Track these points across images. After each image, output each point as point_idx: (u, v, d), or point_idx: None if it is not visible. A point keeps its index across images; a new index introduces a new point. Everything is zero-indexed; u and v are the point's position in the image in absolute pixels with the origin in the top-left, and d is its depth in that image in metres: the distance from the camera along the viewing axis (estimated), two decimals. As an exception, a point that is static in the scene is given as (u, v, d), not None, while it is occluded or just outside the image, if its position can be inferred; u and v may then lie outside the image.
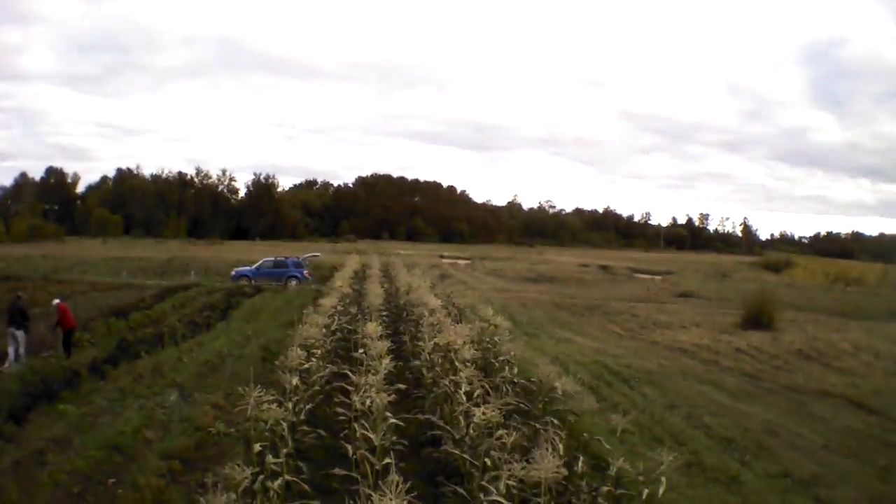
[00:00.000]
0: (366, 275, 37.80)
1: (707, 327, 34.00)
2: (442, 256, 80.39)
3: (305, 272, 44.66)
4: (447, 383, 12.10)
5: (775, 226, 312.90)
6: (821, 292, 57.53)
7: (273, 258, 47.29)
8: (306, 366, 12.03)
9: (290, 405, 10.67)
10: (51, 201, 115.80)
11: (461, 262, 74.77)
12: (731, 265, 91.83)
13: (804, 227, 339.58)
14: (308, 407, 12.11)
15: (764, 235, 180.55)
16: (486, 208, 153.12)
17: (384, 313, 19.47)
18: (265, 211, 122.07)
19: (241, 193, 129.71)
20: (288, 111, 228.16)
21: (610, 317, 35.71)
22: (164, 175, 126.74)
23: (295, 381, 11.14)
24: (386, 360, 11.79)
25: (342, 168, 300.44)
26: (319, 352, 14.45)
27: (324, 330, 16.09)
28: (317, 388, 13.40)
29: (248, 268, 45.87)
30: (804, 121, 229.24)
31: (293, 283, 42.95)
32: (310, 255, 50.94)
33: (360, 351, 14.53)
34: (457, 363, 12.52)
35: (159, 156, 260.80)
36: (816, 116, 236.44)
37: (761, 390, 22.16)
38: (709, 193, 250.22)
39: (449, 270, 60.81)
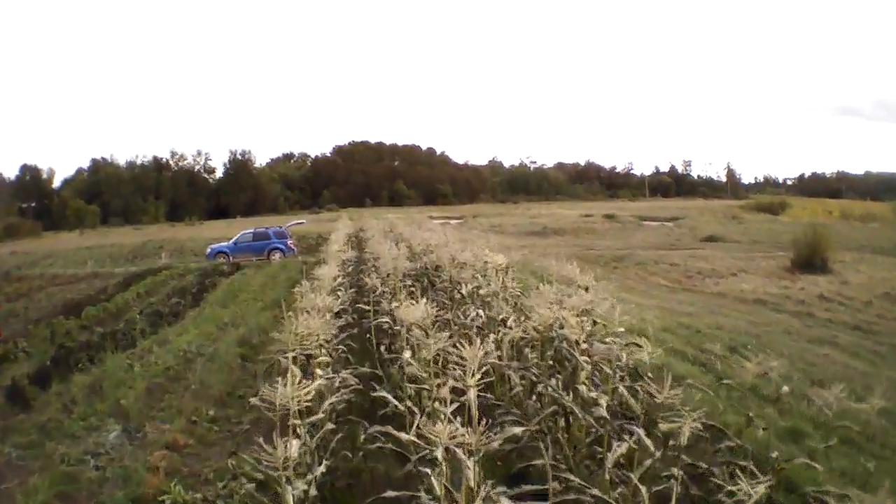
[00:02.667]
0: (364, 237, 31.95)
1: (759, 273, 28.76)
2: (431, 217, 74.53)
3: (290, 242, 38.93)
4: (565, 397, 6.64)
5: (758, 169, 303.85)
6: (850, 230, 52.14)
7: (253, 229, 40.80)
8: (310, 397, 5.95)
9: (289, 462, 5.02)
10: (27, 199, 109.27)
11: (453, 220, 68.96)
12: (723, 209, 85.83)
13: (787, 169, 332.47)
14: (322, 469, 6.35)
15: (747, 179, 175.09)
16: (468, 168, 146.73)
17: (409, 284, 13.56)
18: (244, 187, 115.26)
19: (219, 173, 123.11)
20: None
21: (646, 267, 30.35)
22: (139, 161, 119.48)
23: (295, 446, 5.28)
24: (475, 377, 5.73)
25: (320, 139, 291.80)
26: (327, 357, 8.55)
27: (328, 315, 10.13)
28: (330, 424, 7.45)
29: (225, 243, 40.01)
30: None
31: (277, 256, 37.39)
32: (294, 222, 45.34)
33: (392, 346, 8.99)
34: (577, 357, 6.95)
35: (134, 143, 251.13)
36: None
37: (889, 347, 16.74)
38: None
39: (443, 232, 55.18)
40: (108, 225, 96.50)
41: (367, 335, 11.88)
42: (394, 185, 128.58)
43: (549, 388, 6.99)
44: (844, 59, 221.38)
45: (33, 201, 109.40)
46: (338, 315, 10.81)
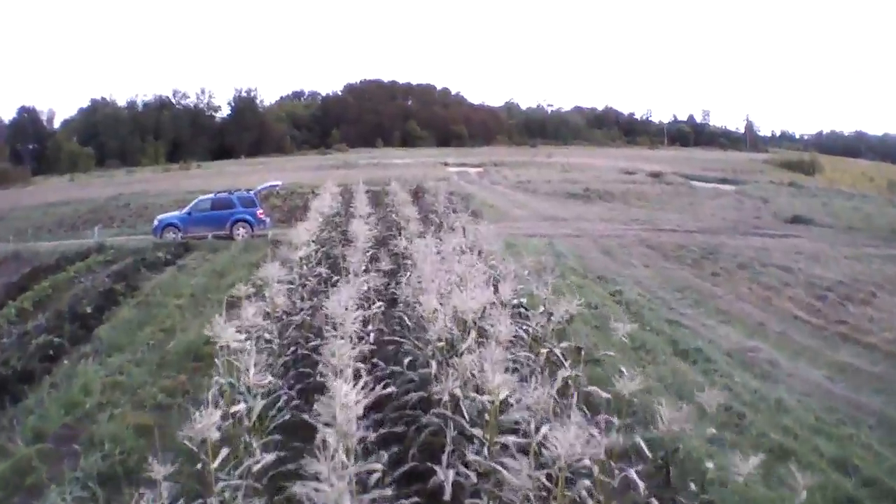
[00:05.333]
0: (349, 214, 22.68)
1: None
2: (446, 164, 64.44)
3: (260, 212, 28.67)
4: None
5: (775, 123, 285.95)
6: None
7: (212, 195, 30.30)
8: None
9: None
10: (25, 141, 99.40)
11: (472, 170, 58.93)
12: (748, 164, 74.35)
13: (805, 125, 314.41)
14: None
15: (764, 133, 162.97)
16: (484, 109, 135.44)
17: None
18: (249, 126, 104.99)
19: (223, 113, 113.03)
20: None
21: (757, 276, 20.62)
22: (139, 101, 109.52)
23: None
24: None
25: (330, 78, 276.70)
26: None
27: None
28: None
29: (176, 213, 29.74)
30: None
31: (242, 231, 27.62)
32: (266, 185, 33.92)
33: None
34: None
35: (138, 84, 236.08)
36: None
37: None
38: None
39: (463, 186, 45.27)
40: (105, 167, 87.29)
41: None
42: (406, 126, 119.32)
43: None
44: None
45: (31, 143, 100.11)
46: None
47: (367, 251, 14.53)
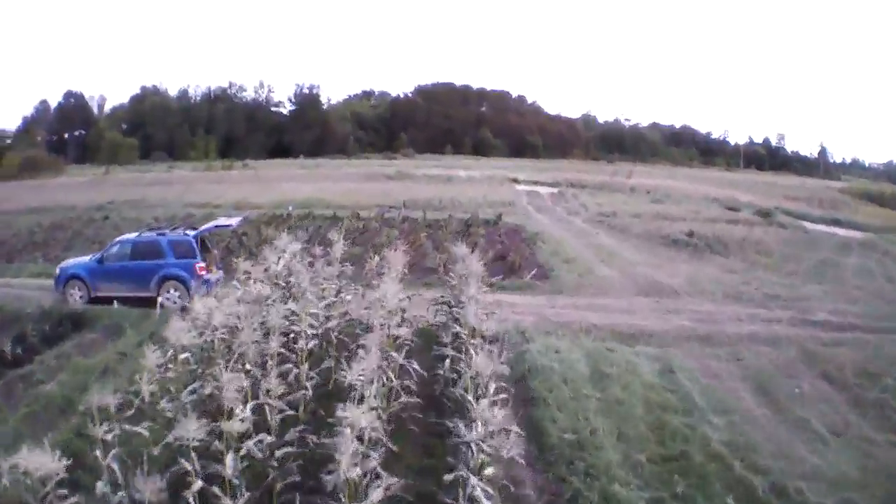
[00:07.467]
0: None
1: None
2: (515, 181, 55.40)
3: (201, 266, 18.16)
4: None
5: (846, 150, 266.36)
6: None
7: (136, 234, 20.37)
8: None
9: None
10: (70, 128, 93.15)
11: (544, 191, 49.67)
12: (827, 193, 62.40)
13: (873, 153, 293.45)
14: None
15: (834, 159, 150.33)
16: (560, 120, 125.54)
17: None
18: (310, 125, 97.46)
19: (283, 109, 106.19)
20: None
21: None
22: (191, 91, 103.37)
23: None
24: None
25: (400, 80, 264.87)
26: None
27: None
28: None
29: (84, 260, 19.73)
30: None
31: (173, 295, 17.97)
32: (214, 224, 21.53)
33: None
34: None
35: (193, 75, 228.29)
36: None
37: None
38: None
39: (531, 215, 36.45)
40: (150, 160, 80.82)
41: None
42: (479, 133, 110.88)
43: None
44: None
45: (77, 130, 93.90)
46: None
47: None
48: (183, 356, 8.20)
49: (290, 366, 9.24)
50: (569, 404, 10.71)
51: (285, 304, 10.45)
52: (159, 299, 17.25)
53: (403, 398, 9.34)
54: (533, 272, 21.17)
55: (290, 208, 33.17)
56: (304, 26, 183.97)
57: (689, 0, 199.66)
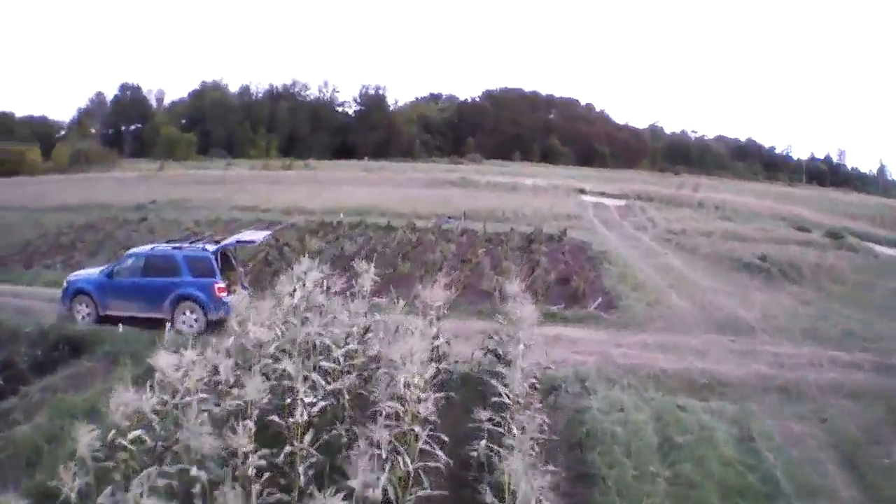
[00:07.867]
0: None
1: None
2: (582, 191, 53.93)
3: (220, 286, 15.89)
4: None
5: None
6: None
7: (150, 246, 17.78)
8: None
9: None
10: (126, 121, 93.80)
11: (611, 203, 48.04)
12: (888, 211, 58.72)
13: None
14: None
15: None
16: (628, 129, 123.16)
17: None
18: (375, 126, 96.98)
19: (349, 109, 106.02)
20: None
21: None
22: (253, 88, 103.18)
23: None
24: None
25: (468, 83, 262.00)
26: None
27: None
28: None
29: (94, 272, 17.54)
30: None
31: (189, 318, 16.07)
32: (244, 237, 18.51)
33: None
34: None
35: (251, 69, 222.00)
36: None
37: None
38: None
39: (598, 229, 35.18)
40: (208, 156, 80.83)
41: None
42: (547, 140, 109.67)
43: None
44: None
45: (133, 124, 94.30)
46: None
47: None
48: (133, 434, 6.66)
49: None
50: (632, 488, 8.98)
51: (290, 353, 8.86)
52: (167, 323, 15.10)
53: (422, 491, 7.37)
54: (598, 301, 19.66)
55: (342, 216, 32.36)
56: (369, 26, 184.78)
57: (756, 16, 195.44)
